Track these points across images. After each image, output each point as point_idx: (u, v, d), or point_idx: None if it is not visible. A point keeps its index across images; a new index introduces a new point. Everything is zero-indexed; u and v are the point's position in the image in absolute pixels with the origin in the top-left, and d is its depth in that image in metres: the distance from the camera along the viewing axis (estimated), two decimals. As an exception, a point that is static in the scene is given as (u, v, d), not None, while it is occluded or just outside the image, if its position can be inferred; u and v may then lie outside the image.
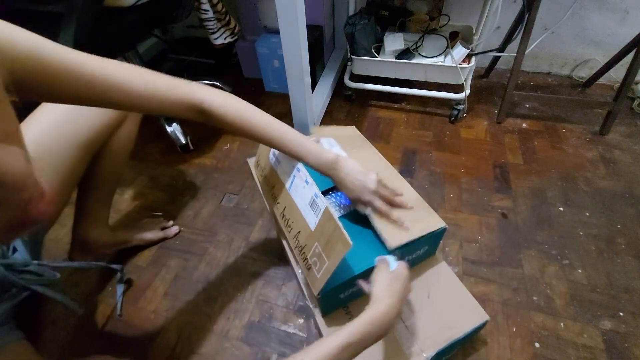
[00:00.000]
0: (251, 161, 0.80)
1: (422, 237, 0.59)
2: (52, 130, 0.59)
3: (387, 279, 0.51)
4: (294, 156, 0.57)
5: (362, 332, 0.45)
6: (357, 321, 0.45)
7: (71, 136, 0.60)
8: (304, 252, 0.57)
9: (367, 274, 0.58)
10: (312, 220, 0.55)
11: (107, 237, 0.81)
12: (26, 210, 0.26)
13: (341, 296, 0.59)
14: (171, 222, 0.94)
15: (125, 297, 0.81)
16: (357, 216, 0.66)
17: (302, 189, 0.58)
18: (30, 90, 0.36)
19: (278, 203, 0.65)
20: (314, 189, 0.55)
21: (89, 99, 0.41)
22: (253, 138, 0.55)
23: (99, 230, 0.78)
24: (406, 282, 0.52)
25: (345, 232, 0.48)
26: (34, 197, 0.26)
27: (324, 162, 0.56)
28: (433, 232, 0.60)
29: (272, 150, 0.68)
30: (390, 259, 0.54)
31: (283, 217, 0.63)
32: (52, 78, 0.37)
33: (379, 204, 0.59)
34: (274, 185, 0.67)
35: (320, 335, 0.61)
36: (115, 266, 0.68)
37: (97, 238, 0.78)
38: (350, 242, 0.47)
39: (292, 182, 0.61)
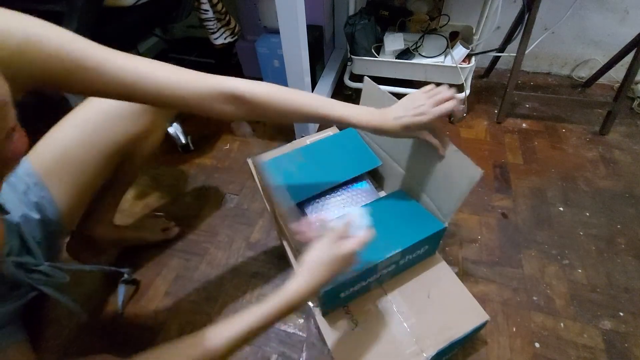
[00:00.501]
0: (251, 161, 0.80)
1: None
2: (81, 135, 0.59)
3: (325, 254, 0.46)
4: (341, 122, 0.53)
5: (269, 314, 0.44)
6: (268, 304, 0.45)
7: (99, 144, 0.61)
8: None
9: (369, 273, 0.58)
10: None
11: (111, 235, 0.81)
12: (5, 144, 0.27)
13: (342, 295, 0.59)
14: (172, 223, 0.94)
15: (127, 297, 0.81)
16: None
17: None
18: (62, 85, 0.38)
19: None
20: None
21: (117, 92, 0.42)
22: (298, 119, 0.54)
23: (104, 228, 0.78)
24: (345, 260, 0.46)
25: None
26: (14, 131, 0.27)
27: (372, 115, 0.53)
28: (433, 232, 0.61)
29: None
30: (361, 215, 0.49)
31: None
32: (81, 74, 0.38)
33: (435, 109, 0.52)
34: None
35: (320, 334, 0.61)
36: (123, 270, 0.68)
37: (102, 235, 0.78)
38: None
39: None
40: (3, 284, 0.46)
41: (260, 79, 1.48)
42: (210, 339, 0.43)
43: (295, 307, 0.46)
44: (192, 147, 1.17)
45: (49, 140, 0.59)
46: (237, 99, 0.48)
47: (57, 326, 0.76)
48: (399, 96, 1.38)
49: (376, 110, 0.53)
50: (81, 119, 0.61)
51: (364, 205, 0.68)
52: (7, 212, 0.47)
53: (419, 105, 0.52)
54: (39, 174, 0.56)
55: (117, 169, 0.69)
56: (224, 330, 0.44)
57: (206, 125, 1.25)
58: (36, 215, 0.54)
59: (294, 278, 0.46)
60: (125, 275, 0.69)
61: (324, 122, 0.55)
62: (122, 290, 0.71)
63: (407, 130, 0.53)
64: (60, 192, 0.57)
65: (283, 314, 0.45)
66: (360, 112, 0.53)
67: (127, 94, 0.42)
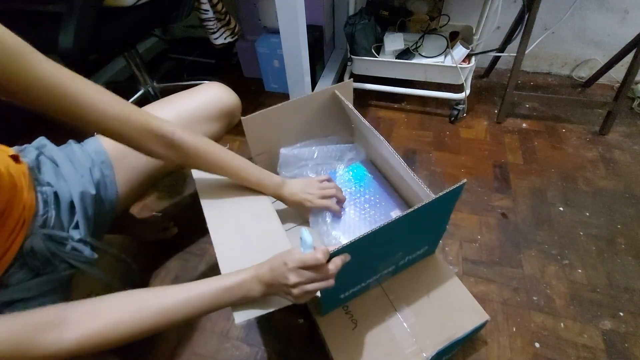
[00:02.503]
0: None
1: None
2: None
3: (279, 259, 0.46)
4: (255, 187, 0.64)
5: (211, 297, 0.45)
6: (212, 284, 0.46)
7: None
8: None
9: (369, 273, 0.58)
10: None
11: (121, 220, 0.82)
12: None
13: (342, 296, 0.59)
14: (171, 223, 0.94)
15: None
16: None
17: None
18: (5, 91, 0.37)
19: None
20: None
21: (59, 111, 0.41)
22: (222, 175, 0.61)
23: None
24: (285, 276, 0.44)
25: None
26: None
27: (275, 188, 0.64)
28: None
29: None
30: (305, 235, 0.45)
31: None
32: (27, 85, 0.37)
33: (319, 201, 0.67)
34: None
35: (320, 334, 0.61)
36: (134, 267, 0.71)
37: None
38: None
39: None
40: (34, 258, 0.46)
41: (260, 79, 1.49)
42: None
43: (225, 300, 0.46)
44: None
45: None
46: (167, 143, 0.51)
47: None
48: (399, 96, 1.36)
49: (280, 182, 0.65)
50: (162, 114, 0.62)
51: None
52: (45, 185, 0.51)
53: (311, 192, 0.67)
54: (109, 154, 0.59)
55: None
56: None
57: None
58: (94, 192, 0.55)
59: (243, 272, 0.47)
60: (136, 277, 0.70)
61: (242, 184, 0.63)
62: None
63: (297, 207, 0.68)
64: (123, 175, 0.60)
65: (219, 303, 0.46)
66: (268, 183, 0.64)
67: (69, 113, 0.42)
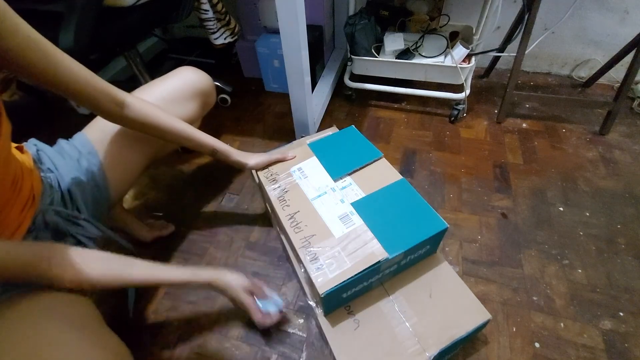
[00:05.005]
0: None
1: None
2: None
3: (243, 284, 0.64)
4: (206, 149, 0.71)
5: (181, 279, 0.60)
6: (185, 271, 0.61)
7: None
8: (314, 253, 0.58)
9: (371, 273, 0.58)
10: (338, 229, 0.62)
11: (116, 215, 0.84)
12: None
13: (344, 295, 0.59)
14: (168, 224, 0.94)
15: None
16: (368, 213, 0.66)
17: (333, 205, 0.66)
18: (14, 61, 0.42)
19: (287, 206, 0.67)
20: (350, 207, 0.65)
21: (39, 70, 0.45)
22: (176, 139, 0.67)
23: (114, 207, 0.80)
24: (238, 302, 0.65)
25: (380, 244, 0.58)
26: None
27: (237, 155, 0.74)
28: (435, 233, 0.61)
29: (299, 166, 0.75)
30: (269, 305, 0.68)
31: (292, 218, 0.65)
32: (31, 55, 0.43)
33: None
34: (286, 190, 0.70)
35: (320, 334, 0.61)
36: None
37: (110, 214, 0.80)
38: (387, 254, 0.57)
39: (319, 196, 0.68)
40: (45, 230, 0.53)
41: (260, 79, 1.49)
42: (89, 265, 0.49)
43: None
44: (192, 147, 1.17)
45: None
46: (123, 104, 0.57)
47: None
48: (399, 96, 1.36)
49: (242, 157, 0.75)
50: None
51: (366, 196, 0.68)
52: (47, 171, 0.58)
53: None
54: (94, 145, 0.64)
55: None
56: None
57: (205, 125, 1.24)
58: (86, 180, 0.62)
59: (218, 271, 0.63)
60: None
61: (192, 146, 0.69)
62: (132, 292, 0.71)
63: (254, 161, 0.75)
64: (110, 163, 0.65)
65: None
66: (229, 155, 0.74)
67: (56, 83, 0.47)
